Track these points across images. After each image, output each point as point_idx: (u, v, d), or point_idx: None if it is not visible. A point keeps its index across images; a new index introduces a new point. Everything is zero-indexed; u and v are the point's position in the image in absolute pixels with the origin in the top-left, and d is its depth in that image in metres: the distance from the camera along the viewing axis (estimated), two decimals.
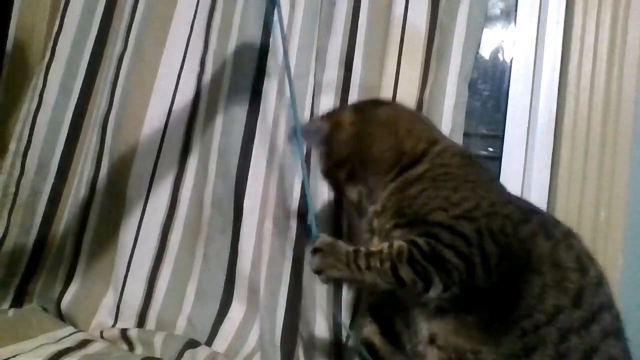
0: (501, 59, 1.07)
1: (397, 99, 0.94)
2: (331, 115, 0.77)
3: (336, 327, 0.89)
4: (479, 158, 0.80)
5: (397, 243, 0.60)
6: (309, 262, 0.64)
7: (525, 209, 0.64)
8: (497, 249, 0.58)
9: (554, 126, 0.98)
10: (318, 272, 0.62)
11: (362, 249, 0.61)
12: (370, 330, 0.69)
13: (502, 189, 0.70)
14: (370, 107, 0.76)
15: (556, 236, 0.61)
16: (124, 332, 0.89)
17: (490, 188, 0.66)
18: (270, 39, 0.96)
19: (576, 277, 0.59)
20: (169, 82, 0.99)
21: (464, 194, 0.62)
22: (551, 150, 0.97)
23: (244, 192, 0.94)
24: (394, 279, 0.59)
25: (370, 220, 0.69)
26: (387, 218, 0.65)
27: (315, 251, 0.63)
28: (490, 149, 1.05)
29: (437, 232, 0.59)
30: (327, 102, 0.95)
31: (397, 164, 0.69)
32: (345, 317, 0.89)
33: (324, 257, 0.62)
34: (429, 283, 0.58)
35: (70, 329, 0.89)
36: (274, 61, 0.96)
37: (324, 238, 0.64)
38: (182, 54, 0.99)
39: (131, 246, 0.96)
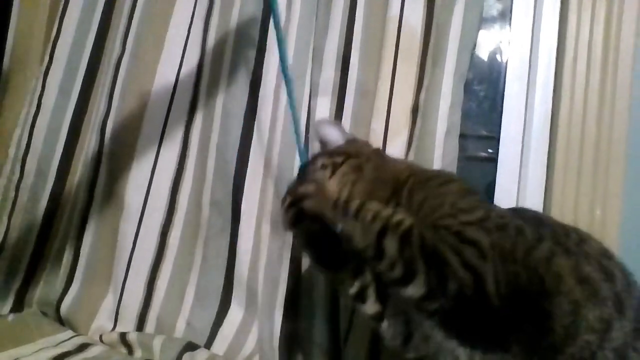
0: (498, 59, 1.08)
1: (393, 99, 0.95)
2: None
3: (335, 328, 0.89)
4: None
5: (402, 215, 0.54)
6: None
7: (534, 223, 0.59)
8: (505, 276, 0.52)
9: (549, 126, 0.98)
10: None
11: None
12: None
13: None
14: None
15: (573, 250, 0.56)
16: (123, 335, 0.89)
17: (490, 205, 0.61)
18: (267, 40, 0.96)
19: (607, 287, 0.54)
20: (166, 85, 0.99)
21: (471, 202, 0.57)
22: (547, 150, 0.98)
23: (242, 193, 0.94)
24: (374, 244, 0.52)
25: None
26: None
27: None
28: (490, 151, 1.05)
29: (444, 235, 0.52)
30: (324, 103, 0.95)
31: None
32: (343, 320, 0.89)
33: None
34: (409, 276, 0.51)
35: (70, 332, 0.89)
36: (272, 62, 0.96)
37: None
38: (180, 57, 1.00)
39: (130, 249, 0.96)
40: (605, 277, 0.55)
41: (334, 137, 0.77)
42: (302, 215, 0.59)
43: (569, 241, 0.58)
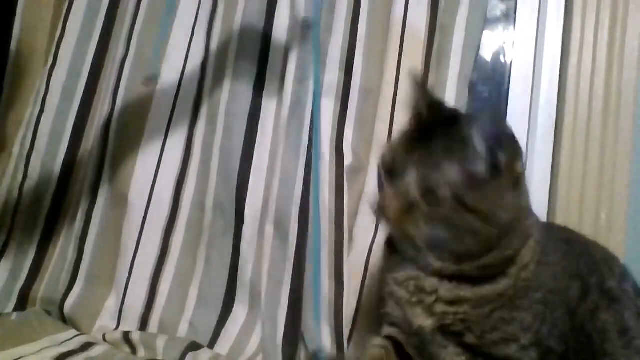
0: (502, 60, 1.08)
1: (397, 101, 0.95)
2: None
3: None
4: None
5: None
6: None
7: (581, 255, 0.59)
8: None
9: (554, 127, 0.98)
10: None
11: None
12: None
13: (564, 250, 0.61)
14: None
15: (617, 295, 0.57)
16: (126, 335, 0.89)
17: (555, 277, 0.57)
18: (271, 41, 0.96)
19: (638, 331, 0.56)
20: (170, 86, 0.99)
21: (536, 308, 0.54)
22: (551, 152, 0.97)
23: (245, 195, 0.94)
24: None
25: (417, 282, 0.58)
26: (437, 312, 0.56)
27: None
28: None
29: None
30: (328, 104, 0.95)
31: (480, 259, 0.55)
32: (345, 322, 0.89)
33: None
34: None
35: (73, 332, 0.89)
36: (276, 64, 0.96)
37: None
38: (184, 58, 1.00)
39: (133, 249, 0.96)
40: (638, 320, 0.57)
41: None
42: None
43: (613, 280, 0.58)
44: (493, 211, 0.52)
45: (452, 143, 0.52)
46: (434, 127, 0.54)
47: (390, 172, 0.55)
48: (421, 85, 0.61)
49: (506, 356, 0.53)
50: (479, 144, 0.51)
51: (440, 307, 0.56)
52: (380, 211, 0.55)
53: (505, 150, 0.52)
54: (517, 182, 0.55)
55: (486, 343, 0.54)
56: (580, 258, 0.60)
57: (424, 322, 0.57)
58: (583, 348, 0.54)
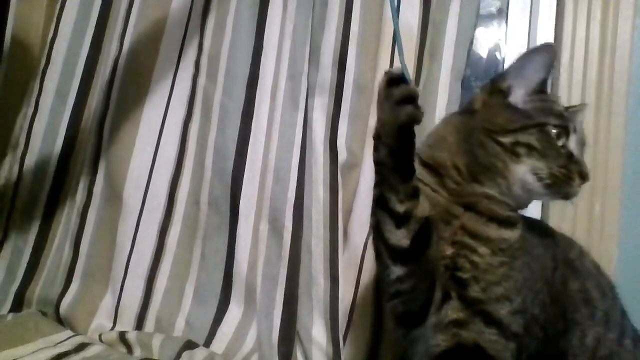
0: (495, 56, 1.08)
1: None
2: None
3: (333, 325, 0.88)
4: None
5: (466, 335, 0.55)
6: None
7: (550, 245, 0.61)
8: (541, 331, 0.56)
9: None
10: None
11: None
12: None
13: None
14: None
15: (578, 267, 0.60)
16: (122, 334, 0.89)
17: (534, 245, 0.60)
18: (264, 38, 0.96)
19: (601, 303, 0.59)
20: (164, 84, 0.99)
21: (525, 274, 0.56)
22: None
23: (240, 191, 0.94)
24: None
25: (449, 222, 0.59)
26: (457, 240, 0.57)
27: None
28: None
29: (495, 338, 0.54)
30: (322, 101, 0.95)
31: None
32: (342, 319, 0.89)
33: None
34: None
35: (69, 332, 0.89)
36: (269, 60, 0.96)
37: None
38: (177, 56, 1.00)
39: (129, 248, 0.96)
40: (601, 294, 0.59)
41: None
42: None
43: (573, 253, 0.61)
44: None
45: None
46: None
47: None
48: None
49: (499, 319, 0.54)
50: None
51: (462, 237, 0.57)
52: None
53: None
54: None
55: (490, 298, 0.55)
56: (542, 234, 0.63)
57: (447, 249, 0.58)
58: (558, 319, 0.57)
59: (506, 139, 0.58)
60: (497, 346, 0.53)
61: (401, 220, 0.54)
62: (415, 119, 0.51)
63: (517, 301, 0.55)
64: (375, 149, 0.54)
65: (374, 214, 0.57)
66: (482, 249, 0.56)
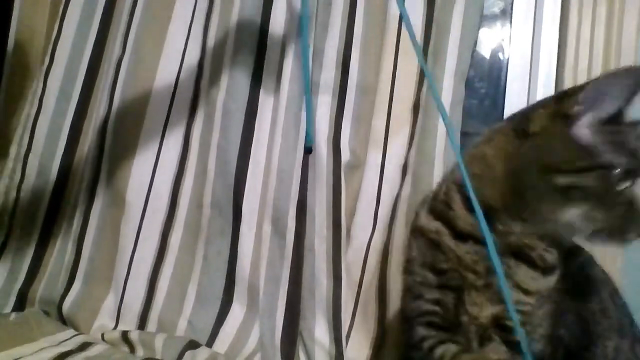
0: (499, 57, 1.08)
1: (394, 97, 0.95)
2: None
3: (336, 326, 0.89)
4: None
5: None
6: None
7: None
8: (565, 349, 0.54)
9: None
10: None
11: None
12: None
13: None
14: None
15: (592, 279, 0.59)
16: (125, 334, 0.89)
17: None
18: (267, 39, 0.96)
19: (614, 311, 0.57)
20: (167, 85, 0.99)
21: (554, 297, 0.55)
22: None
23: (243, 193, 0.94)
24: None
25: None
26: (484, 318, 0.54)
27: None
28: None
29: None
30: (325, 101, 0.95)
31: None
32: (345, 320, 0.89)
33: None
34: None
35: (71, 331, 0.89)
36: (272, 61, 0.96)
37: None
38: (180, 56, 1.00)
39: (131, 248, 0.96)
40: (612, 303, 0.58)
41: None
42: None
43: (588, 266, 0.59)
44: None
45: None
46: None
47: None
48: None
49: (537, 353, 0.52)
50: None
51: (513, 295, 0.52)
52: None
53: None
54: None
55: (534, 339, 0.52)
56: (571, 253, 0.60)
57: (485, 311, 0.54)
58: (581, 334, 0.55)
59: (562, 180, 0.49)
60: None
61: None
62: None
63: (544, 327, 0.53)
64: None
65: None
66: (531, 299, 0.52)
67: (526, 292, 0.52)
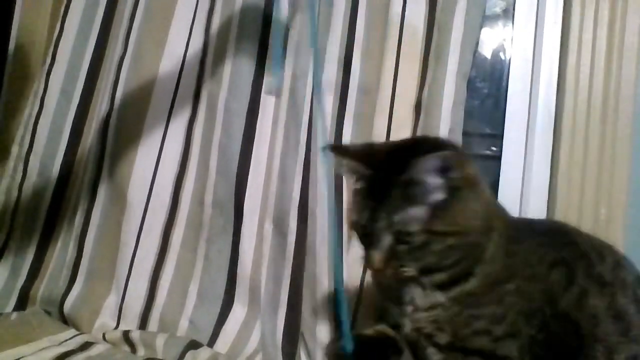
0: (501, 57, 1.08)
1: (395, 97, 0.94)
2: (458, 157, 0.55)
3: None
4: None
5: None
6: None
7: (567, 245, 0.59)
8: (544, 349, 0.54)
9: (553, 124, 0.98)
10: None
11: None
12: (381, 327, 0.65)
13: (536, 237, 0.60)
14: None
15: (609, 280, 0.57)
16: (126, 333, 0.89)
17: (530, 265, 0.57)
18: (269, 37, 0.96)
19: (638, 318, 0.56)
20: (168, 83, 0.99)
21: (509, 300, 0.55)
22: (550, 149, 0.97)
23: (245, 191, 0.94)
24: None
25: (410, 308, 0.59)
26: (414, 318, 0.58)
27: None
28: (494, 149, 1.05)
29: None
30: (327, 101, 0.95)
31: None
32: (346, 318, 0.89)
33: None
34: None
35: (73, 331, 0.89)
36: (274, 62, 0.96)
37: None
38: (182, 56, 1.00)
39: (133, 248, 0.96)
40: (638, 309, 0.56)
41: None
42: None
43: (603, 266, 0.58)
44: (467, 224, 0.54)
45: (407, 190, 0.54)
46: (383, 179, 0.55)
47: (365, 235, 0.57)
48: (350, 154, 0.60)
49: (480, 348, 0.53)
50: (431, 179, 0.53)
51: (417, 315, 0.57)
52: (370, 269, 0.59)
53: (455, 165, 0.53)
54: (474, 183, 0.56)
55: (459, 339, 0.54)
56: (564, 247, 0.60)
57: (407, 328, 0.59)
58: (568, 335, 0.54)
59: None
60: None
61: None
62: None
63: (500, 329, 0.53)
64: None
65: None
66: (436, 312, 0.56)
67: (426, 309, 0.56)
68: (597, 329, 0.54)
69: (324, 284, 0.89)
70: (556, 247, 0.60)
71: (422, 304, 0.57)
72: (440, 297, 0.56)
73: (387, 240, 0.54)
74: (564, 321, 0.54)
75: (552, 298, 0.55)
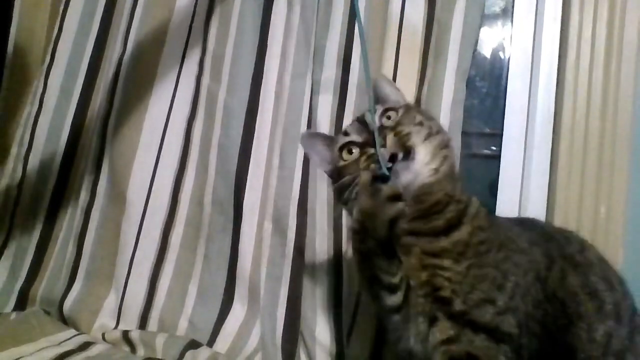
0: (500, 56, 1.08)
1: None
2: None
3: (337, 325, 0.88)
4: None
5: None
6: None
7: (543, 238, 0.62)
8: (540, 327, 0.56)
9: (552, 122, 0.98)
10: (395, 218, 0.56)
11: None
12: None
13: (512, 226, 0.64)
14: None
15: (579, 261, 0.60)
16: (125, 333, 0.89)
17: (512, 239, 0.61)
18: (268, 36, 0.96)
19: (609, 296, 0.58)
20: (168, 83, 0.99)
21: (504, 267, 0.57)
22: (550, 147, 0.97)
23: (244, 191, 0.94)
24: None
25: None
26: (424, 289, 0.58)
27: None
28: (493, 148, 1.05)
29: (486, 343, 0.54)
30: (326, 100, 0.95)
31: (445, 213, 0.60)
32: (345, 319, 0.89)
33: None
34: None
35: (72, 331, 0.89)
36: (273, 59, 0.96)
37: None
38: (181, 55, 1.00)
39: (132, 247, 0.96)
40: (608, 287, 0.59)
41: (393, 97, 0.71)
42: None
43: (571, 247, 0.62)
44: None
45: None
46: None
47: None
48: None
49: (485, 323, 0.54)
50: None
51: (427, 260, 0.58)
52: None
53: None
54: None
55: (470, 306, 0.55)
56: (533, 228, 0.64)
57: (420, 275, 0.59)
58: (559, 315, 0.57)
59: None
60: (489, 351, 0.54)
61: (396, 287, 0.58)
62: (404, 214, 0.56)
63: (501, 299, 0.55)
64: (361, 240, 0.56)
65: (368, 288, 0.60)
66: (446, 262, 0.57)
67: (434, 254, 0.58)
68: (580, 308, 0.57)
69: (324, 283, 0.89)
70: (526, 228, 0.63)
71: (428, 246, 0.58)
72: (443, 241, 0.58)
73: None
74: (554, 301, 0.57)
75: (539, 277, 0.57)
